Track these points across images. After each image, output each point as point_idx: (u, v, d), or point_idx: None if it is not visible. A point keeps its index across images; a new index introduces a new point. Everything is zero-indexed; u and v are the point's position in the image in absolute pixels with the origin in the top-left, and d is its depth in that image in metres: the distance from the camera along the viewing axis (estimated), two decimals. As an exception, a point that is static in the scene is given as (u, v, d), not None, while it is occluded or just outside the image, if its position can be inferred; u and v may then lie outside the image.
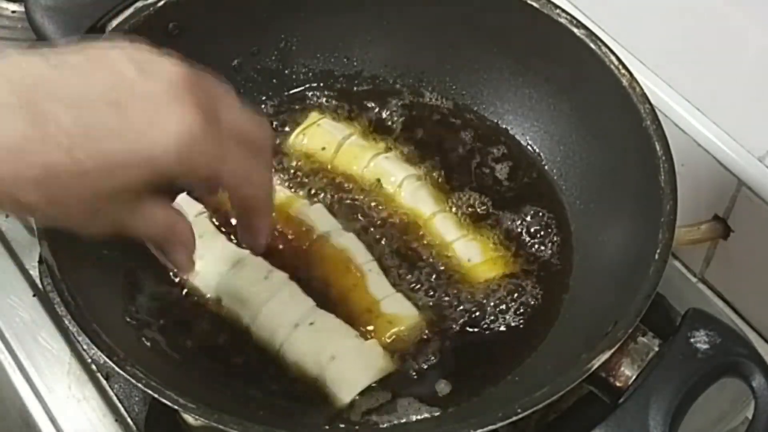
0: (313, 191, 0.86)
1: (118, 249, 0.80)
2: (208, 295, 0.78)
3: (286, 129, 0.90)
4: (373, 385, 0.75)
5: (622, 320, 0.68)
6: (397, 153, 0.88)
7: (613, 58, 0.80)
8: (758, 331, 0.96)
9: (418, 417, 0.74)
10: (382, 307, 0.78)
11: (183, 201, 0.76)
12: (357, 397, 0.74)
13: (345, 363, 0.74)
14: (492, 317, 0.79)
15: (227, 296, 0.78)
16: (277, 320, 0.76)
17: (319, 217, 0.82)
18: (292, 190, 0.86)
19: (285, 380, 0.75)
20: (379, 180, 0.86)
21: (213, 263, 0.79)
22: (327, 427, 0.73)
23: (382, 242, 0.82)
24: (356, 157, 0.87)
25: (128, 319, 0.77)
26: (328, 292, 0.79)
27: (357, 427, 0.73)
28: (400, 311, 0.78)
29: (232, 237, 0.80)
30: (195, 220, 0.80)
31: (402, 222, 0.84)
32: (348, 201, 0.85)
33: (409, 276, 0.81)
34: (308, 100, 0.92)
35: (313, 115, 0.90)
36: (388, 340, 0.77)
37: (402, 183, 0.85)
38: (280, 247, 0.80)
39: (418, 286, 0.80)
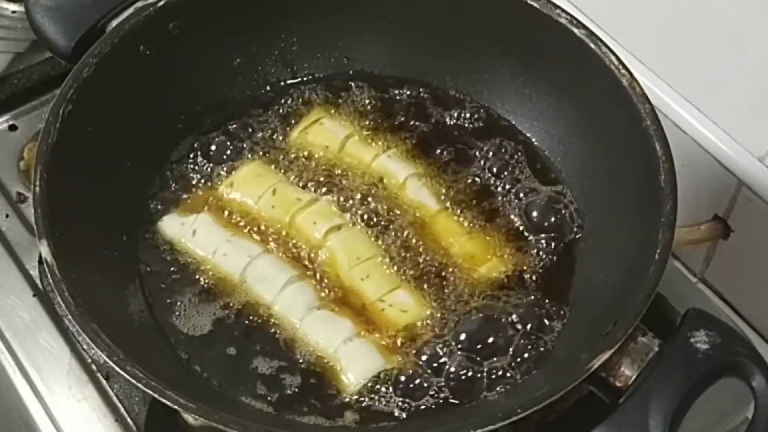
0: (317, 188, 0.86)
1: (118, 248, 0.81)
2: (235, 276, 0.80)
3: (288, 128, 0.90)
4: (378, 379, 0.75)
5: (622, 320, 0.68)
6: (399, 151, 0.88)
7: (613, 58, 0.80)
8: (758, 331, 0.96)
9: (419, 416, 0.74)
10: (393, 298, 0.79)
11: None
12: (362, 388, 0.75)
13: (359, 347, 0.76)
14: (495, 314, 0.79)
15: (253, 275, 0.80)
16: (299, 299, 0.78)
17: (327, 212, 0.83)
18: (297, 184, 0.86)
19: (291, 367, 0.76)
20: (381, 178, 0.86)
21: (238, 252, 0.81)
22: (329, 423, 0.73)
23: (388, 237, 0.83)
24: (359, 156, 0.87)
25: (128, 319, 0.77)
26: (341, 284, 0.80)
27: (357, 425, 0.73)
28: (410, 303, 0.79)
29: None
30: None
31: (406, 218, 0.84)
32: (352, 198, 0.85)
33: (415, 271, 0.81)
34: (309, 100, 0.92)
35: (315, 113, 0.90)
36: (399, 330, 0.77)
37: (405, 181, 0.85)
38: (294, 241, 0.82)
39: (424, 281, 0.80)
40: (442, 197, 0.85)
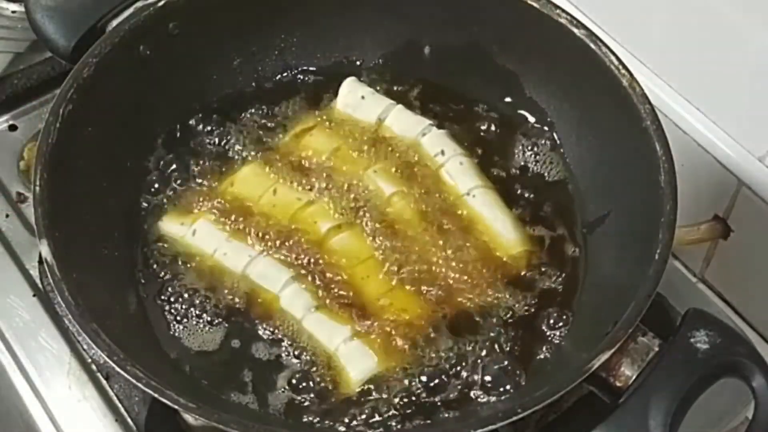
0: (317, 188, 0.85)
1: (118, 248, 0.81)
2: (235, 275, 0.80)
3: (288, 128, 0.90)
4: (377, 379, 0.75)
5: (622, 320, 0.68)
6: (390, 164, 0.86)
7: (613, 58, 0.80)
8: (758, 331, 0.96)
9: (419, 415, 0.74)
10: (393, 298, 0.79)
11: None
12: (361, 388, 0.75)
13: (359, 347, 0.76)
14: (495, 315, 0.79)
15: (253, 275, 0.80)
16: (298, 299, 0.78)
17: (327, 212, 0.83)
18: (297, 183, 0.86)
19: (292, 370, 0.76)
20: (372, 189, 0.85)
21: (238, 252, 0.81)
22: (328, 422, 0.73)
23: (388, 237, 0.82)
24: (350, 166, 0.86)
25: (128, 319, 0.77)
26: (341, 283, 0.79)
27: (356, 424, 0.73)
28: (410, 303, 0.79)
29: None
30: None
31: (401, 224, 0.83)
32: (353, 197, 0.85)
33: (415, 271, 0.80)
34: (309, 101, 0.92)
35: (312, 118, 0.90)
36: (398, 330, 0.77)
37: (389, 199, 0.85)
38: (294, 241, 0.82)
39: (423, 281, 0.80)
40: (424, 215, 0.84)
